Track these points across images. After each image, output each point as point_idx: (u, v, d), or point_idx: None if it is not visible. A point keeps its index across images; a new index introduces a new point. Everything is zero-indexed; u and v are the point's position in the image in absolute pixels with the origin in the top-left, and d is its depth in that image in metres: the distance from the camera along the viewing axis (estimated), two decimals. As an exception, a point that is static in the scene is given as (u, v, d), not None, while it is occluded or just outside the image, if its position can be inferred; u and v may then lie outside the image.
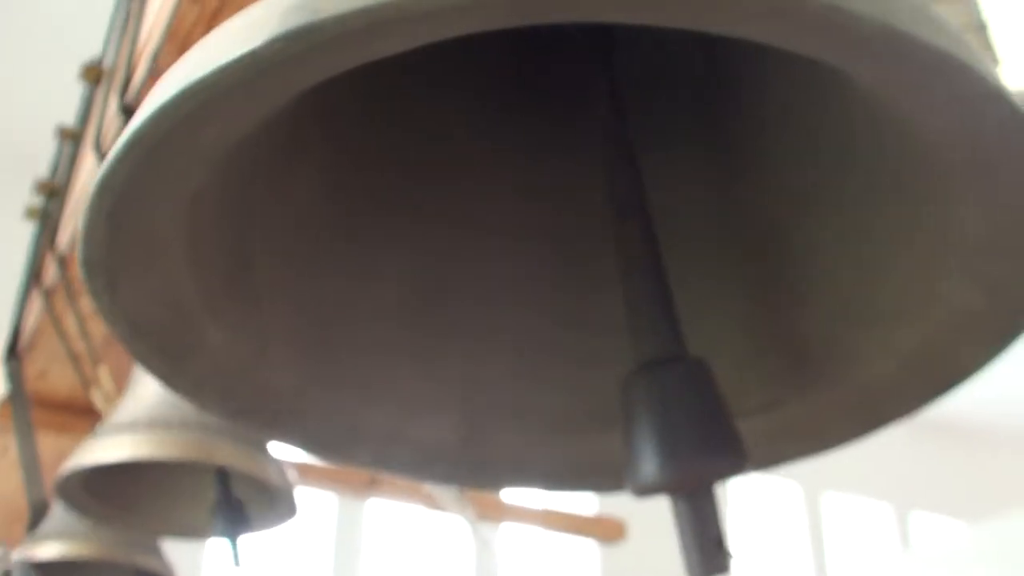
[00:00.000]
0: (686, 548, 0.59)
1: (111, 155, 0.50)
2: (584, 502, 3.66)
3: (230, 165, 0.56)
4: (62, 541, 1.61)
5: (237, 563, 1.32)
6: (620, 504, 3.07)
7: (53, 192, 2.19)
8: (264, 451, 1.35)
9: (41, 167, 2.28)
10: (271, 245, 0.67)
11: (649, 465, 0.59)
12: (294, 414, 0.74)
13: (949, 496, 6.35)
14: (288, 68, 0.44)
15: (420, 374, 0.78)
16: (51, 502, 1.99)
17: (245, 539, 1.35)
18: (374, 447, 0.78)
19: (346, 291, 0.73)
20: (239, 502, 1.36)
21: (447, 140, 0.74)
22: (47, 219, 2.19)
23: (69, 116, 2.07)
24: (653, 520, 4.29)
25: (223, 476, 1.38)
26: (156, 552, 1.66)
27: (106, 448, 1.29)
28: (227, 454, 1.30)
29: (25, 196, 2.29)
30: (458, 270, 0.77)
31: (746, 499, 5.89)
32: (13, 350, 2.11)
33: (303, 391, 0.73)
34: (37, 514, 1.96)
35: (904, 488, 6.30)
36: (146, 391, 1.37)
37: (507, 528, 4.95)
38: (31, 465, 1.98)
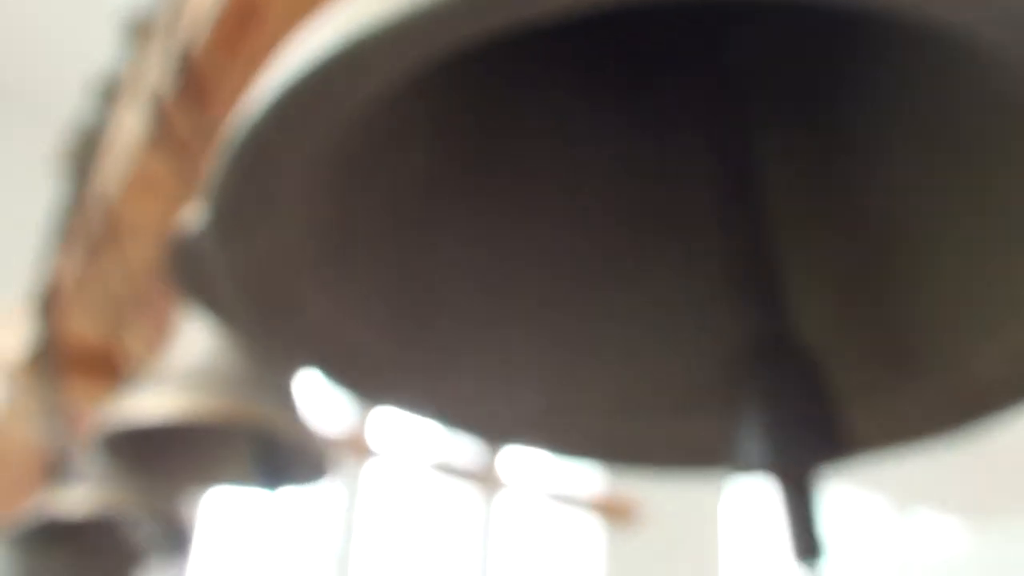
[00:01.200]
0: (791, 533, 0.59)
1: (256, 103, 0.48)
2: (593, 480, 3.64)
3: (366, 125, 0.55)
4: (88, 494, 1.61)
5: (273, 521, 1.32)
6: (631, 485, 3.08)
7: (84, 141, 2.18)
8: (299, 412, 1.35)
9: (61, 116, 2.27)
10: (378, 208, 0.66)
11: (758, 447, 0.59)
12: (383, 377, 0.73)
13: (952, 495, 6.35)
14: (449, 24, 0.43)
15: (507, 346, 0.77)
16: (75, 454, 2.00)
17: (286, 498, 1.34)
18: (453, 413, 0.78)
19: (447, 257, 0.73)
20: (277, 461, 1.35)
21: (551, 112, 0.73)
22: (77, 168, 2.19)
23: (91, 65, 2.06)
24: (664, 503, 4.33)
25: (259, 438, 1.37)
26: (180, 506, 1.66)
27: (147, 406, 1.29)
28: (255, 413, 1.30)
29: (44, 145, 2.28)
30: (555, 244, 0.77)
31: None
32: (40, 300, 2.10)
33: (395, 356, 0.72)
34: (60, 466, 1.96)
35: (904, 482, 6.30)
36: (189, 348, 1.36)
37: (510, 502, 4.97)
38: (54, 416, 1.97)
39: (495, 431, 0.79)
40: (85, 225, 1.96)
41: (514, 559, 5.02)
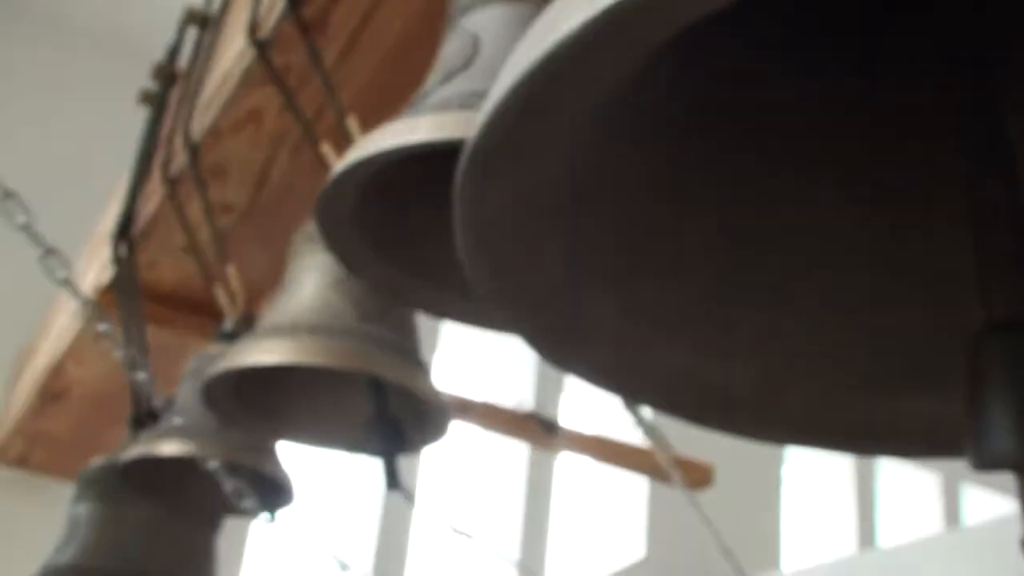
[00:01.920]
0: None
1: (534, 52, 0.43)
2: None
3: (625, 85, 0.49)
4: (184, 440, 1.55)
5: (392, 485, 1.26)
6: (705, 448, 3.02)
7: (173, 77, 2.11)
8: (421, 366, 1.28)
9: (152, 53, 2.20)
10: (602, 170, 0.59)
11: (1001, 437, 0.52)
12: (594, 340, 0.66)
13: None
14: None
15: (720, 315, 0.70)
16: (158, 395, 1.94)
17: (401, 458, 1.29)
18: (660, 385, 0.71)
19: (663, 222, 0.66)
20: (396, 418, 1.29)
21: (780, 75, 0.66)
22: (163, 104, 2.12)
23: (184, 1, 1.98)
24: (740, 469, 4.29)
25: (379, 389, 1.31)
26: (275, 458, 1.60)
27: (264, 350, 1.23)
28: (386, 365, 1.23)
29: (140, 82, 2.21)
30: (775, 212, 0.70)
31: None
32: (124, 236, 2.04)
33: (608, 318, 0.66)
34: (141, 407, 1.91)
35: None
36: (304, 295, 1.30)
37: (573, 463, 4.93)
38: (138, 357, 1.92)
39: (702, 404, 0.73)
40: (171, 163, 1.90)
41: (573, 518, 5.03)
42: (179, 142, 1.84)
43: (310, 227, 1.36)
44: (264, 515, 1.57)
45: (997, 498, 6.46)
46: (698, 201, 0.67)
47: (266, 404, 1.36)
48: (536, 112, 0.48)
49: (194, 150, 1.78)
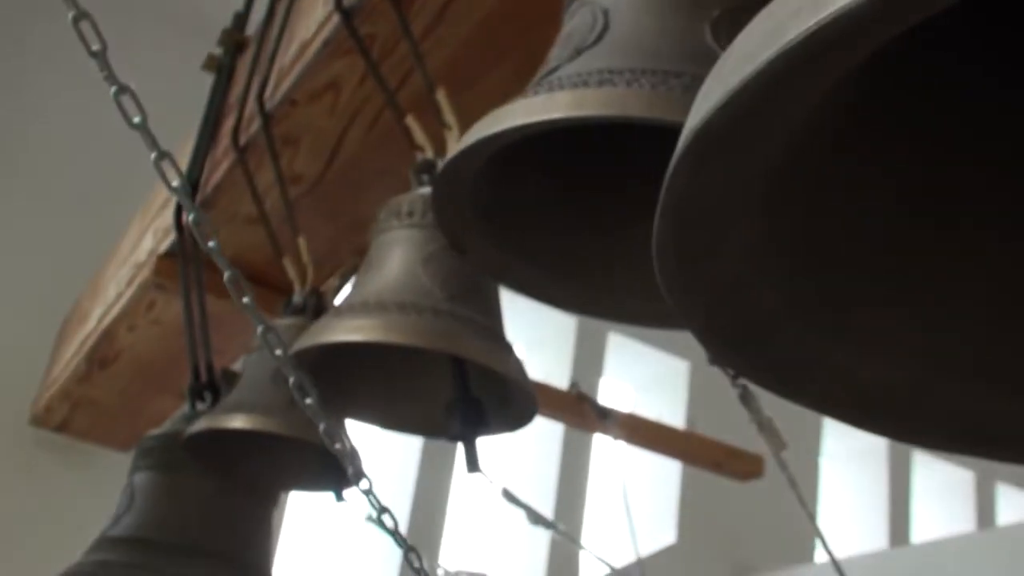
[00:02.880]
0: None
1: (767, 44, 0.40)
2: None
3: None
4: (253, 415, 1.52)
5: (474, 467, 1.23)
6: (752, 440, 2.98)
7: (241, 44, 2.08)
8: (510, 349, 1.24)
9: (221, 18, 2.17)
10: (798, 167, 0.56)
11: None
12: (766, 339, 0.63)
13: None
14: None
15: (888, 310, 0.67)
16: (219, 367, 1.92)
17: (482, 441, 1.25)
18: (822, 385, 0.68)
19: (836, 208, 0.62)
20: (478, 400, 1.26)
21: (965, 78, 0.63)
22: (231, 71, 2.09)
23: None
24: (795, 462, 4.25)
25: (462, 370, 1.28)
26: (345, 436, 1.57)
27: (354, 328, 1.19)
28: (478, 348, 1.20)
29: (194, 50, 2.19)
30: (950, 201, 0.66)
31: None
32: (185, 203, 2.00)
33: (779, 315, 0.62)
34: (203, 380, 1.88)
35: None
36: (392, 272, 1.26)
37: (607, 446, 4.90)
38: (199, 328, 1.89)
39: (861, 404, 0.69)
40: (241, 131, 1.87)
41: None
42: (251, 110, 1.81)
43: (395, 202, 1.33)
44: (333, 495, 1.54)
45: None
46: (874, 207, 0.64)
47: (338, 382, 1.33)
48: (769, 101, 0.45)
49: (267, 118, 1.75)
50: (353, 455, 1.08)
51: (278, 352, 0.99)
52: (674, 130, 0.90)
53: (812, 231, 0.60)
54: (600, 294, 1.07)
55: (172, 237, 2.04)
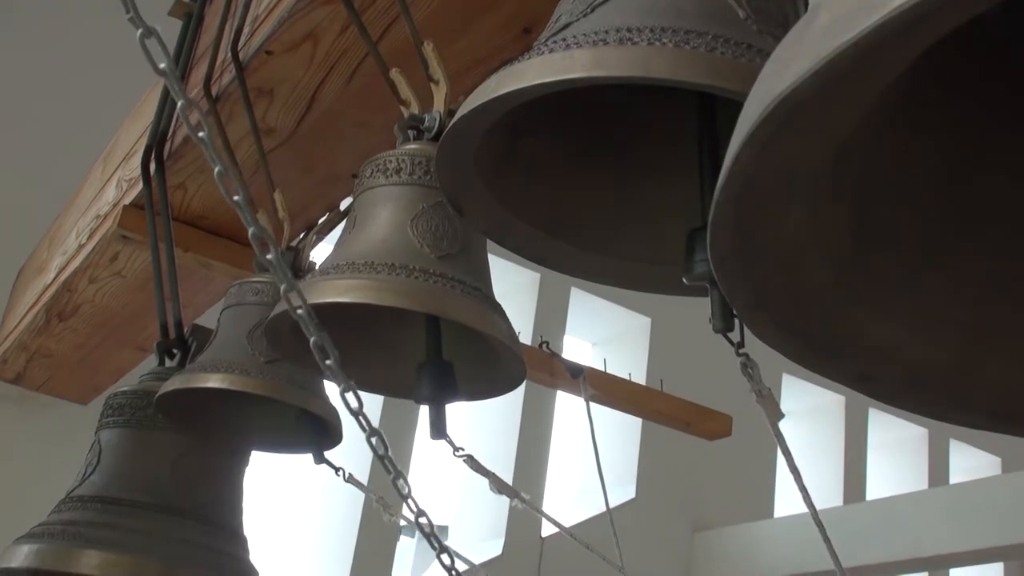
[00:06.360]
0: None
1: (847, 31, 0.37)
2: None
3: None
4: (229, 374, 1.48)
5: (438, 434, 1.19)
6: (723, 400, 2.98)
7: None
8: (500, 311, 1.21)
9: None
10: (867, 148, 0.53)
11: None
12: (811, 313, 0.60)
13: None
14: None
15: (932, 284, 0.64)
16: (188, 323, 1.87)
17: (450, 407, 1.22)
18: (862, 362, 0.65)
19: (892, 183, 0.60)
20: (448, 364, 1.22)
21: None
22: (200, 18, 2.03)
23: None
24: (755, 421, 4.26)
25: (436, 333, 1.24)
26: (323, 396, 1.54)
27: (343, 289, 1.15)
28: (468, 310, 1.17)
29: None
30: (994, 180, 0.64)
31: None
32: (153, 156, 1.95)
33: (828, 289, 0.60)
34: (173, 336, 1.84)
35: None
36: (378, 231, 1.22)
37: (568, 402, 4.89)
38: (168, 281, 1.84)
39: (894, 390, 0.67)
40: (213, 81, 1.81)
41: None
42: (223, 60, 1.75)
43: (380, 158, 1.29)
44: (311, 454, 1.51)
45: (984, 455, 6.50)
46: (928, 183, 0.61)
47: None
48: (862, 70, 0.42)
49: (241, 68, 1.69)
50: (365, 417, 1.04)
51: (300, 311, 0.95)
52: (696, 93, 0.87)
53: (869, 206, 0.58)
54: (601, 256, 1.04)
55: (139, 188, 1.98)
